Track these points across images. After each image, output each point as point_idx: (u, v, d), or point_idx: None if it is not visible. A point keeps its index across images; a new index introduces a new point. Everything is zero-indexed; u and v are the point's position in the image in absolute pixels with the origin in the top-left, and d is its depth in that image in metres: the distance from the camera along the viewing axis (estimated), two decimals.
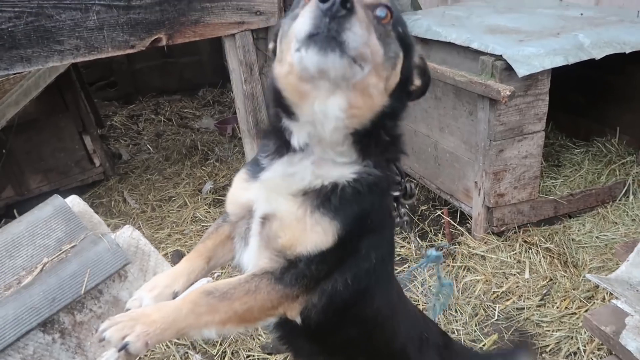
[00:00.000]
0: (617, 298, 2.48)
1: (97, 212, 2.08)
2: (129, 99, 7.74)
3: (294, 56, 1.22)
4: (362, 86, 1.28)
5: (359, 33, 1.16)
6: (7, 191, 4.87)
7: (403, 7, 4.46)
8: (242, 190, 1.59)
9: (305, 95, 1.31)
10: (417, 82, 1.48)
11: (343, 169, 1.42)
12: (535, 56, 3.00)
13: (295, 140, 1.41)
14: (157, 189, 5.20)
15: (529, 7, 4.21)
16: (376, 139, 1.42)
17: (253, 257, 1.51)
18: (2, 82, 4.52)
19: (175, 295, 1.52)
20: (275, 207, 1.45)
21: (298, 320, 1.48)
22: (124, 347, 1.24)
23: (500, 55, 3.06)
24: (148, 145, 6.26)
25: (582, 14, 3.74)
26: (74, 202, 2.06)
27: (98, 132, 5.72)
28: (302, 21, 1.17)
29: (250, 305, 1.38)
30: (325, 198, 1.40)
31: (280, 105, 1.39)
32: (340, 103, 1.28)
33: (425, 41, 3.79)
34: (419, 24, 3.88)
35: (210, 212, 4.69)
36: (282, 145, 1.46)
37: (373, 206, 1.46)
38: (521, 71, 2.96)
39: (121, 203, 5.04)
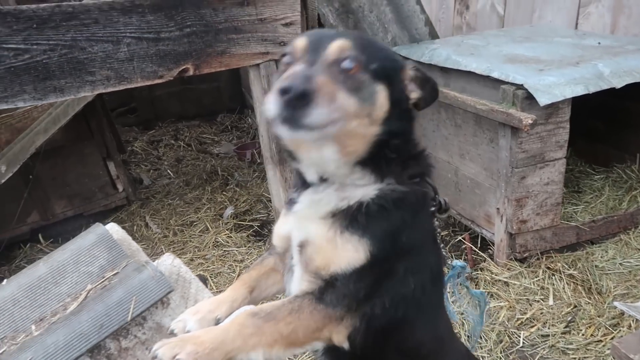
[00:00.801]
0: None
1: None
2: (148, 124, 7.89)
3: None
4: (344, 134, 1.38)
5: (321, 112, 1.25)
6: (33, 216, 4.97)
7: (421, 36, 4.55)
8: (282, 224, 1.69)
9: (298, 147, 1.48)
10: (414, 94, 1.51)
11: (365, 189, 1.49)
12: (556, 85, 3.06)
13: (308, 178, 1.54)
14: (178, 214, 5.28)
15: (545, 36, 4.28)
16: (386, 159, 1.49)
17: (297, 284, 1.56)
18: (30, 110, 4.66)
19: (217, 322, 1.57)
20: (307, 233, 1.52)
21: (346, 345, 1.50)
22: None
23: (522, 85, 3.12)
24: (169, 170, 6.36)
25: (599, 43, 3.80)
26: (113, 229, 2.13)
27: (120, 157, 5.85)
28: (270, 104, 1.26)
29: (294, 325, 1.41)
30: (352, 218, 1.46)
31: (286, 150, 1.55)
32: (331, 150, 1.41)
33: (444, 70, 3.87)
34: (438, 53, 3.96)
35: (231, 236, 4.75)
36: (305, 180, 1.57)
37: (404, 222, 1.51)
38: (542, 100, 3.01)
39: (143, 228, 5.12)
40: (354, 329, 1.50)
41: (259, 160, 6.21)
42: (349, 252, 1.43)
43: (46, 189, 4.98)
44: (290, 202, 1.64)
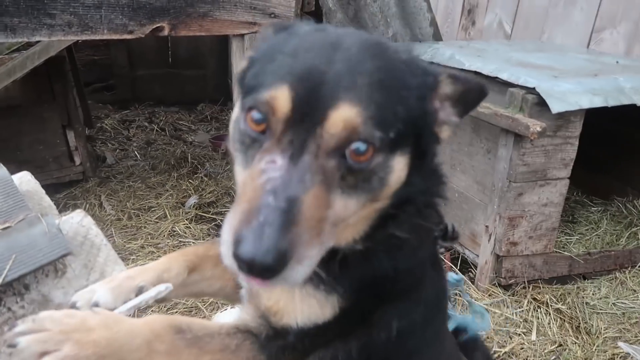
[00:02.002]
0: None
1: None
2: (124, 104, 7.43)
3: None
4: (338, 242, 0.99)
5: (302, 270, 0.83)
6: None
7: (424, 37, 4.21)
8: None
9: None
10: (446, 131, 1.06)
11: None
12: (572, 93, 2.72)
13: None
14: (137, 197, 4.82)
15: (559, 50, 3.97)
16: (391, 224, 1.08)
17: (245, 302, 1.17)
18: None
19: (139, 291, 1.14)
20: None
21: None
22: None
23: (533, 88, 2.78)
24: (136, 152, 5.91)
25: (617, 62, 3.49)
26: (24, 179, 1.71)
27: (85, 130, 5.38)
28: (225, 253, 0.84)
29: None
30: (321, 263, 1.00)
31: None
32: None
33: (446, 69, 3.52)
34: (441, 52, 3.62)
35: (190, 227, 4.31)
36: None
37: (395, 270, 1.09)
38: (555, 107, 2.66)
39: (96, 207, 4.65)
40: None
41: None
42: (310, 308, 1.05)
43: None
44: None
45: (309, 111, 0.87)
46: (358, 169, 0.89)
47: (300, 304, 1.04)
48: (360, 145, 0.88)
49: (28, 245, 1.23)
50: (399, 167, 0.95)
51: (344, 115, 0.86)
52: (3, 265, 1.19)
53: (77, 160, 4.90)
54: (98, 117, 6.80)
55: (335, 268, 1.03)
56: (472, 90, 1.04)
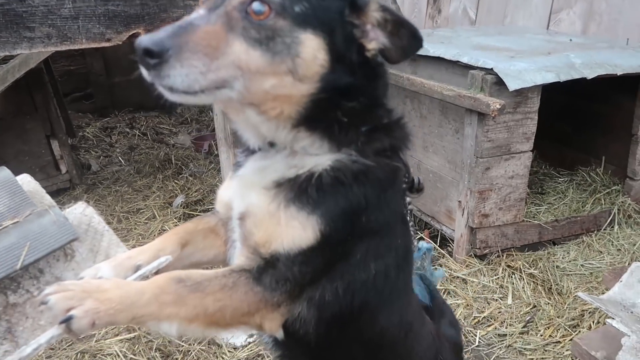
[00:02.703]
0: (607, 321, 2.32)
1: None
2: (104, 112, 7.50)
3: None
4: (258, 93, 1.16)
5: (179, 72, 1.06)
6: None
7: None
8: (224, 189, 1.49)
9: (225, 108, 1.36)
10: (374, 44, 1.23)
11: (319, 159, 1.26)
12: (527, 71, 2.93)
13: (250, 143, 1.33)
14: (125, 201, 4.94)
15: (518, 32, 4.19)
16: (338, 123, 1.25)
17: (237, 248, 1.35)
18: None
19: (137, 269, 1.32)
20: (248, 203, 1.30)
21: (279, 334, 1.30)
22: (66, 321, 1.04)
23: (491, 69, 2.98)
24: (120, 158, 6.01)
25: (571, 40, 3.71)
26: (24, 180, 1.85)
27: (68, 139, 5.48)
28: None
29: (223, 304, 1.19)
30: (301, 189, 1.23)
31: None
32: (251, 112, 1.21)
33: (412, 57, 3.71)
34: None
35: (179, 225, 4.45)
36: None
37: (367, 200, 1.26)
38: (512, 85, 2.87)
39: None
40: (297, 316, 1.29)
41: (216, 152, 5.93)
42: (294, 230, 1.21)
43: None
44: (236, 165, 1.42)
45: None
46: (257, 24, 1.11)
47: (285, 227, 1.21)
48: (258, 5, 1.10)
49: (40, 233, 1.38)
50: (310, 43, 1.15)
51: None
52: (19, 251, 1.34)
53: (63, 169, 5.01)
54: (79, 126, 6.88)
55: (313, 191, 1.22)
56: (404, 25, 1.23)
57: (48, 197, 1.82)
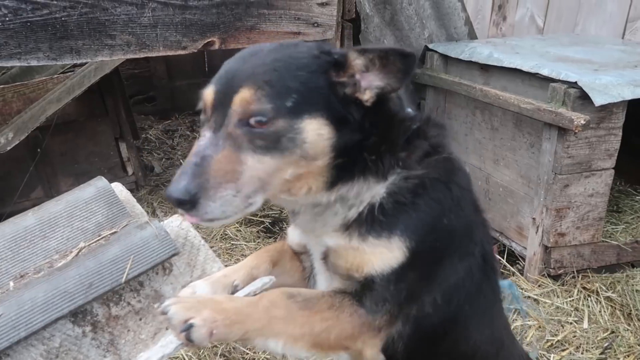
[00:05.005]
0: None
1: None
2: (165, 114, 7.68)
3: None
4: (279, 187, 1.24)
5: (215, 206, 1.14)
6: (37, 192, 4.75)
7: (459, 36, 4.31)
8: (292, 232, 1.56)
9: None
10: (367, 95, 1.25)
11: (372, 191, 1.29)
12: (614, 85, 2.79)
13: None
14: None
15: (595, 43, 4.02)
16: (371, 161, 1.28)
17: (324, 286, 1.41)
18: (46, 81, 4.47)
19: (234, 287, 1.34)
20: (325, 246, 1.35)
21: (380, 359, 1.31)
22: (186, 330, 1.08)
23: (575, 83, 2.85)
24: (181, 160, 6.13)
25: None
26: (117, 189, 1.89)
27: (134, 142, 5.63)
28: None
29: (330, 324, 1.21)
30: (370, 221, 1.28)
31: None
32: (283, 196, 1.28)
33: (485, 67, 3.61)
34: (479, 51, 3.70)
35: (241, 230, 4.50)
36: None
37: (436, 204, 1.30)
38: (598, 100, 2.74)
39: (150, 214, 4.87)
40: (394, 337, 1.31)
41: None
42: (382, 254, 1.25)
43: (54, 165, 4.77)
44: (294, 213, 1.45)
45: (224, 99, 1.21)
46: (260, 133, 1.17)
47: (372, 255, 1.25)
48: (259, 115, 1.17)
49: (142, 247, 1.40)
50: (310, 127, 1.20)
51: (241, 96, 1.18)
52: (123, 265, 1.36)
53: (130, 171, 5.15)
54: (142, 128, 7.07)
55: (383, 217, 1.26)
56: (388, 52, 1.22)
57: (138, 206, 1.86)
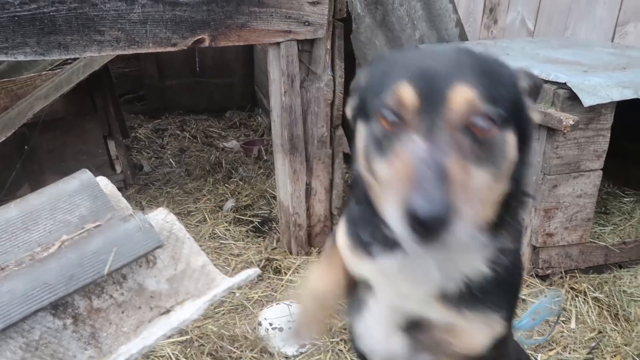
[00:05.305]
0: None
1: None
2: (155, 114, 7.66)
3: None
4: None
5: (465, 228, 0.89)
6: (24, 190, 4.69)
7: (451, 37, 4.32)
8: (354, 261, 1.33)
9: None
10: (535, 115, 1.16)
11: (478, 254, 1.17)
12: (603, 87, 2.80)
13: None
14: (176, 203, 5.00)
15: (585, 45, 4.04)
16: (510, 212, 1.16)
17: (381, 338, 1.35)
18: (34, 78, 4.44)
19: None
20: (424, 314, 1.24)
21: None
22: None
23: (564, 83, 2.86)
24: (171, 160, 6.11)
25: None
26: (102, 182, 1.87)
27: (123, 140, 5.59)
28: (394, 223, 0.92)
29: None
30: (479, 293, 1.19)
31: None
32: None
33: None
34: None
35: (230, 229, 4.47)
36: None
37: (520, 278, 1.39)
38: (587, 101, 2.75)
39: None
40: None
41: (265, 158, 5.95)
42: (489, 332, 1.26)
43: (41, 162, 4.72)
44: (365, 244, 1.25)
45: (431, 96, 0.98)
46: (483, 141, 0.98)
47: (480, 335, 1.24)
48: (482, 118, 0.99)
49: (125, 239, 1.38)
50: (511, 143, 1.05)
51: (462, 93, 0.98)
52: (106, 257, 1.34)
53: (118, 169, 5.11)
54: (131, 127, 7.03)
55: (487, 290, 1.18)
56: (539, 85, 1.18)
57: (124, 200, 1.84)
